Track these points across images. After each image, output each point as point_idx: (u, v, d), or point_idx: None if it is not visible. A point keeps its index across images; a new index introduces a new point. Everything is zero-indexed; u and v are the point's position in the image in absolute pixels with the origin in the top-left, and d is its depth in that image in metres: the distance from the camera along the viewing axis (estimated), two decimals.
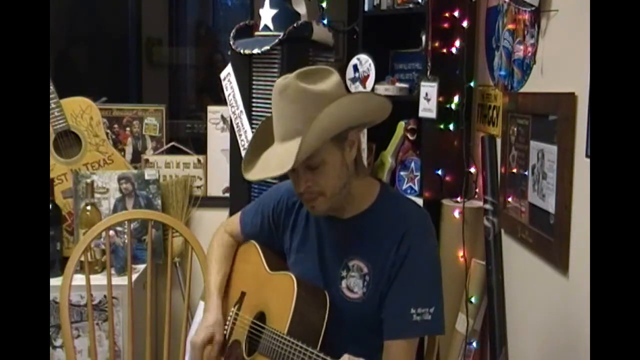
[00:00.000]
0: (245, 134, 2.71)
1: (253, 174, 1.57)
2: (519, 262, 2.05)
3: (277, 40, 2.58)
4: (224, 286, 1.80)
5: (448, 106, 2.44)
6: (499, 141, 2.20)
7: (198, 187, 3.05)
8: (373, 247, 1.57)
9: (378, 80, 2.68)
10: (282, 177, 1.57)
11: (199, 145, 3.18)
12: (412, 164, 2.61)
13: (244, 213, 1.86)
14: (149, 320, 2.20)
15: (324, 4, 2.90)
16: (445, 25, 2.47)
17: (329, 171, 1.51)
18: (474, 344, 2.34)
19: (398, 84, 2.67)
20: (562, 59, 1.82)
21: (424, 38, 2.53)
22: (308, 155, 1.44)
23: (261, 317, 1.67)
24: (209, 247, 1.87)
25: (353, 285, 1.58)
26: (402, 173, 2.65)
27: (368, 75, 2.68)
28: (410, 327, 1.51)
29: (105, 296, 2.51)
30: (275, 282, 1.67)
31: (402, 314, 1.51)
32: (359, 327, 1.59)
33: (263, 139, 1.59)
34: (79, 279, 2.25)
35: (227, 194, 2.97)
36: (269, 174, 1.52)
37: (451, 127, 2.45)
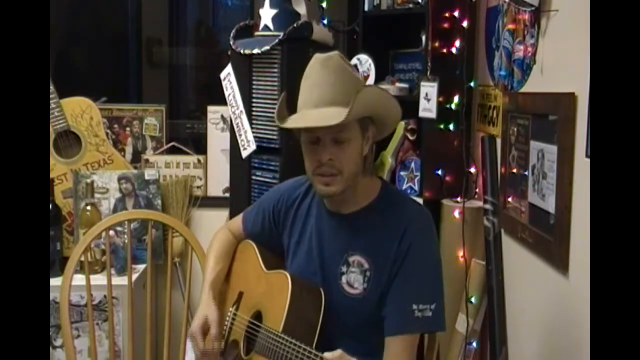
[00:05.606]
0: (245, 134, 2.70)
1: (290, 123, 1.59)
2: (519, 262, 2.05)
3: (277, 40, 2.57)
4: (218, 282, 1.81)
5: (448, 106, 2.44)
6: (499, 141, 2.20)
7: (198, 187, 3.05)
8: (374, 243, 1.58)
9: (378, 80, 2.68)
10: (283, 178, 1.57)
11: (199, 145, 3.18)
12: (412, 164, 2.61)
13: (246, 213, 1.88)
14: (149, 320, 2.20)
15: (324, 4, 2.90)
16: (445, 25, 2.47)
17: (351, 150, 1.55)
18: (474, 344, 2.34)
19: (398, 84, 2.67)
20: (562, 59, 1.82)
21: (424, 38, 2.53)
22: (355, 117, 1.51)
23: (258, 316, 1.68)
24: (210, 243, 1.89)
25: (353, 280, 1.59)
26: (402, 173, 2.65)
27: (368, 75, 2.68)
28: (411, 323, 1.52)
29: (105, 296, 2.51)
30: (270, 280, 1.68)
31: (403, 310, 1.52)
32: (358, 323, 1.60)
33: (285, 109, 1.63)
34: (79, 279, 2.25)
35: (227, 194, 2.97)
36: (309, 124, 1.53)
37: (451, 127, 2.45)
